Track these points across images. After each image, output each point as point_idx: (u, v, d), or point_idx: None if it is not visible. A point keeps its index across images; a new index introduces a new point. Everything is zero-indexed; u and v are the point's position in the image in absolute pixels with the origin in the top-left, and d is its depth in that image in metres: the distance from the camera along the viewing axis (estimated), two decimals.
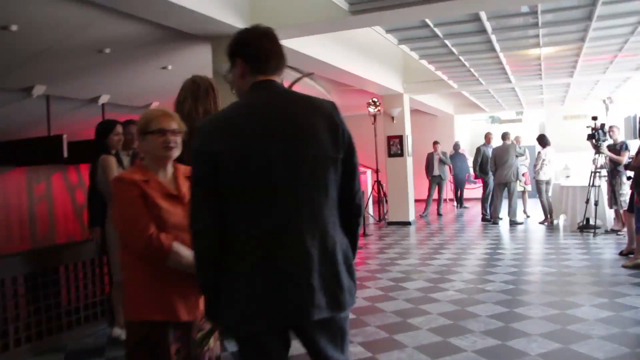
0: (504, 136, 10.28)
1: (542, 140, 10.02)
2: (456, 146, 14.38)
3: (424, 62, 8.94)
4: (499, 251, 7.50)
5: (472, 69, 9.15)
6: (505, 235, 9.22)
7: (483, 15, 5.93)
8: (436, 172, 12.54)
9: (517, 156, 10.11)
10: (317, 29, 5.45)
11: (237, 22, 5.29)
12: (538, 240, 8.44)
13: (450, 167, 14.16)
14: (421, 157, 13.87)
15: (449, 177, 13.88)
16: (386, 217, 11.60)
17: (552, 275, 5.87)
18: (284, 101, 1.79)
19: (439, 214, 12.70)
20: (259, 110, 1.75)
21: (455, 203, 14.83)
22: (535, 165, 10.04)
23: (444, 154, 12.77)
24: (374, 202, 12.66)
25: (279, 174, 1.67)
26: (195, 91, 2.81)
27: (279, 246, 1.67)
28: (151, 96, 9.33)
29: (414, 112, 15.76)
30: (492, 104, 15.65)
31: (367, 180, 12.95)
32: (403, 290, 5.51)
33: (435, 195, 12.74)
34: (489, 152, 10.86)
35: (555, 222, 10.05)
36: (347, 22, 5.21)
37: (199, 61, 6.27)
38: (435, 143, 12.78)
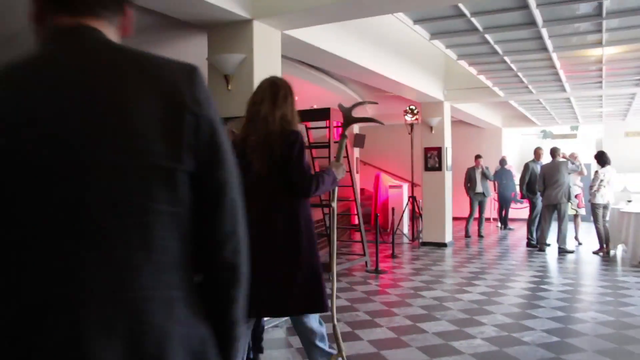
0: (553, 152, 9.11)
1: (602, 158, 8.79)
2: (502, 161, 13.20)
3: (464, 63, 7.92)
4: (544, 287, 6.39)
5: (519, 74, 8.08)
6: (552, 265, 8.06)
7: (532, 1, 4.91)
8: (479, 188, 11.46)
9: (569, 173, 8.93)
10: (327, 15, 4.58)
11: (236, 8, 4.51)
12: (591, 275, 7.25)
13: (494, 183, 13.05)
14: (463, 172, 12.83)
15: (492, 195, 12.75)
16: (420, 236, 10.56)
17: (607, 325, 4.76)
18: (88, 63, 0.93)
19: (480, 235, 11.55)
20: (36, 79, 0.90)
21: (499, 224, 13.61)
22: (591, 187, 8.82)
23: (487, 168, 11.68)
24: (408, 220, 11.63)
25: (44, 200, 0.86)
26: (274, 94, 2.69)
27: (34, 347, 0.83)
28: None
29: (457, 123, 14.68)
30: (544, 117, 14.36)
31: (402, 194, 11.91)
32: (419, 335, 4.54)
33: (476, 214, 11.61)
34: (538, 169, 9.71)
35: (612, 252, 8.79)
36: (361, 6, 4.32)
37: (195, 53, 5.54)
38: (478, 157, 11.68)
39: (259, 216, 2.56)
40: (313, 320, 2.81)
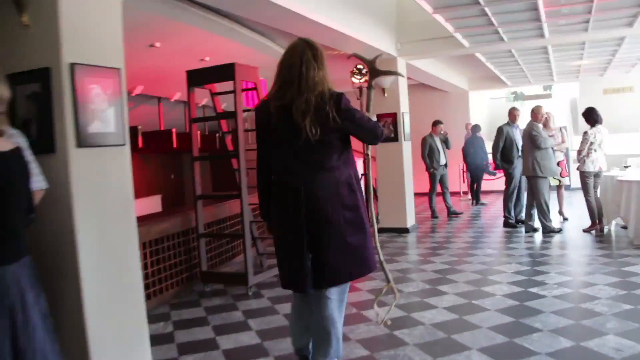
0: (535, 112, 7.46)
1: (591, 116, 7.15)
2: (476, 128, 11.53)
3: (424, 4, 6.10)
4: (533, 290, 4.71)
5: (488, 11, 6.30)
6: (539, 250, 6.42)
7: None
8: (442, 160, 9.87)
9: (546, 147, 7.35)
10: None
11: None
12: (589, 265, 5.61)
13: (462, 153, 11.46)
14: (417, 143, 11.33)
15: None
16: (378, 220, 8.84)
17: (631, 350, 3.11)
18: None
19: (453, 212, 9.90)
20: None
21: (469, 197, 12.05)
22: (579, 152, 7.19)
23: (446, 135, 10.05)
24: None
25: None
26: (315, 56, 2.72)
27: None
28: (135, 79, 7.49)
29: (417, 86, 13.02)
30: (516, 76, 12.69)
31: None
32: None
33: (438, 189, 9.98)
34: (515, 133, 8.06)
35: (605, 229, 7.23)
36: None
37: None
38: (437, 123, 10.02)
39: (314, 174, 2.67)
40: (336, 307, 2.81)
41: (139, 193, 5.47)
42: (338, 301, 2.82)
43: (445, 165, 9.95)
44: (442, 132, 9.91)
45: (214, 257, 6.22)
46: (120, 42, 3.35)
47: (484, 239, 7.52)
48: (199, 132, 6.99)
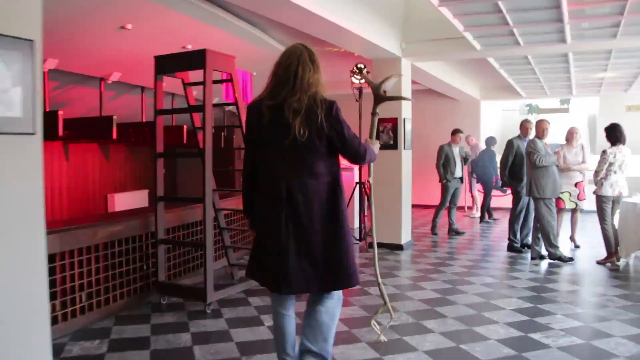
0: (537, 126, 6.75)
1: (614, 133, 6.35)
2: (490, 141, 10.70)
3: None
4: (534, 336, 3.96)
5: (506, 13, 5.57)
6: (545, 283, 5.64)
7: None
8: (458, 172, 9.08)
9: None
10: None
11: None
12: (605, 307, 4.83)
13: (469, 167, 10.71)
14: (429, 151, 10.48)
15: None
16: (368, 236, 8.11)
17: None
18: None
19: (454, 231, 9.13)
20: None
21: (476, 213, 11.30)
22: (596, 173, 6.41)
23: (462, 149, 9.29)
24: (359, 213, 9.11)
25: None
26: (311, 59, 2.77)
27: None
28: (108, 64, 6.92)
29: (425, 92, 12.31)
30: (531, 86, 11.90)
31: (353, 179, 9.32)
32: None
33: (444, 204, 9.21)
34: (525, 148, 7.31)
35: (622, 262, 6.44)
36: None
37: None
38: (457, 132, 9.24)
39: (298, 177, 2.68)
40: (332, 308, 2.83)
41: (126, 187, 4.87)
42: (333, 306, 2.86)
43: (461, 179, 9.19)
44: (465, 149, 9.15)
45: (179, 265, 5.53)
46: (37, 9, 2.74)
47: (484, 263, 6.75)
48: (184, 126, 6.35)
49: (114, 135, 7.23)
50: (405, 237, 7.80)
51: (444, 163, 8.95)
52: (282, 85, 2.66)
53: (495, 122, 14.10)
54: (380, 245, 7.61)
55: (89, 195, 9.85)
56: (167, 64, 4.81)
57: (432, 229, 9.16)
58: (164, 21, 5.81)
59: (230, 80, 5.02)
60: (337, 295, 2.84)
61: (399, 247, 7.60)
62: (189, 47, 6.36)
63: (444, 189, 9.02)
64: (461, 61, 9.81)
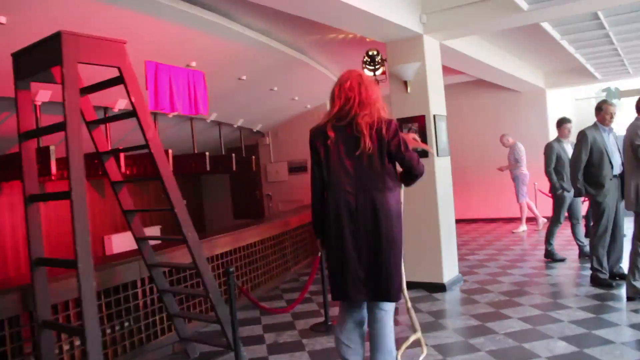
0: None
1: None
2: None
3: None
4: None
5: None
6: None
7: None
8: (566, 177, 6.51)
9: None
10: None
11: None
12: None
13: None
14: (485, 154, 9.10)
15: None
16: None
17: None
18: None
19: (586, 255, 6.47)
20: None
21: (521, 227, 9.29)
22: None
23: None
24: None
25: None
26: (371, 82, 3.04)
27: None
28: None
29: (474, 84, 10.34)
30: (608, 64, 9.58)
31: None
32: None
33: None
34: (608, 140, 5.24)
35: None
36: None
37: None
38: (565, 122, 6.82)
39: (366, 192, 2.86)
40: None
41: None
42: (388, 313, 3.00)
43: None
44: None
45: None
46: None
47: (557, 310, 4.67)
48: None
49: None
50: (449, 273, 5.84)
51: (556, 166, 6.53)
52: (350, 105, 2.89)
53: (567, 114, 11.74)
54: (415, 285, 5.71)
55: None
56: (25, 63, 3.24)
57: (546, 254, 6.85)
58: (43, 8, 4.26)
59: (120, 77, 3.33)
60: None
61: (440, 288, 5.65)
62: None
63: (558, 201, 6.62)
64: (517, 41, 7.77)
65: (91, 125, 3.70)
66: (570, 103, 12.19)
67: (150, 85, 4.52)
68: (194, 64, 5.77)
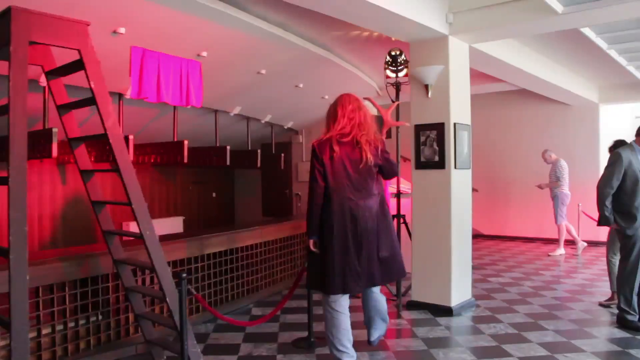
0: None
1: None
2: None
3: None
4: None
5: None
6: None
7: None
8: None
9: None
10: None
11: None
12: None
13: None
14: (527, 170, 8.89)
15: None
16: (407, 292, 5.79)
17: None
18: None
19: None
20: None
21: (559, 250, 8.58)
22: None
23: None
24: None
25: None
26: (365, 107, 3.82)
27: None
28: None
29: (520, 94, 9.73)
30: None
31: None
32: None
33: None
34: None
35: None
36: None
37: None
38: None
39: (362, 198, 3.57)
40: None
41: (152, 213, 3.42)
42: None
43: None
44: None
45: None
46: None
47: (567, 352, 4.12)
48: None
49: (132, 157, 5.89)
50: (459, 297, 5.37)
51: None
52: (352, 125, 3.59)
53: (624, 133, 10.83)
54: (419, 306, 5.29)
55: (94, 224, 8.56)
56: None
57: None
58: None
59: (80, 61, 3.10)
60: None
61: (447, 312, 5.19)
62: (122, 31, 4.60)
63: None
64: (563, 50, 7.16)
65: (62, 109, 3.50)
66: (630, 120, 11.26)
67: (134, 71, 4.32)
68: (204, 53, 5.54)
